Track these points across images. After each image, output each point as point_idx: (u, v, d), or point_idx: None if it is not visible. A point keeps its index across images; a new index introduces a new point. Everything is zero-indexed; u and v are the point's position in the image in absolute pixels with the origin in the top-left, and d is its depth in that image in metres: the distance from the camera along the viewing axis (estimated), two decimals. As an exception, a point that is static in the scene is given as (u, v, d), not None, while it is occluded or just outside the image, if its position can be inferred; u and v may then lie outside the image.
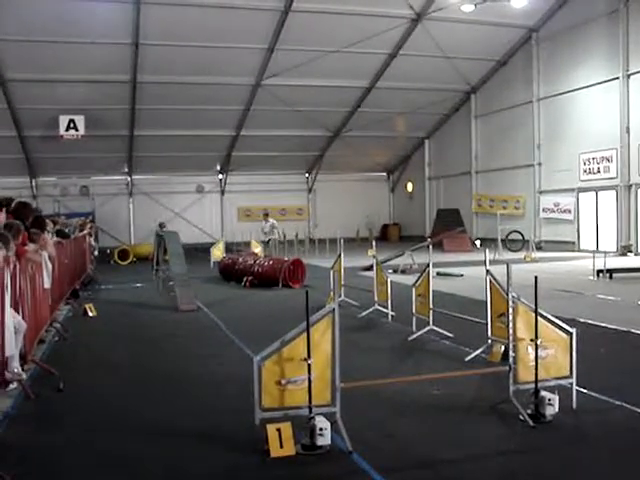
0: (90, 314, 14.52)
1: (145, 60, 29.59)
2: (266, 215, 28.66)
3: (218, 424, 6.87)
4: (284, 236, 30.23)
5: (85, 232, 22.77)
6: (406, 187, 45.79)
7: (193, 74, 31.12)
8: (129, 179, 41.24)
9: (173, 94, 32.19)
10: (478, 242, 33.52)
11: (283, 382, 6.03)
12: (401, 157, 45.38)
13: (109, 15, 26.59)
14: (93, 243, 25.41)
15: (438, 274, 19.28)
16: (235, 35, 28.77)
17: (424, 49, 31.04)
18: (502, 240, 30.72)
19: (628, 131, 27.29)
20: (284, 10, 27.97)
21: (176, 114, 34.05)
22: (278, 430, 5.93)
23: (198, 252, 30.60)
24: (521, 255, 27.11)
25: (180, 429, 6.78)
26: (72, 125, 31.77)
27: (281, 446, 5.90)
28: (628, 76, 27.17)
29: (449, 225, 32.52)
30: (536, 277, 6.74)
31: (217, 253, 27.27)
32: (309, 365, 6.01)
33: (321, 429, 5.94)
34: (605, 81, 28.24)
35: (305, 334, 6.01)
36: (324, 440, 5.96)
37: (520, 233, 32.07)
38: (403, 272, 21.08)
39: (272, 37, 29.64)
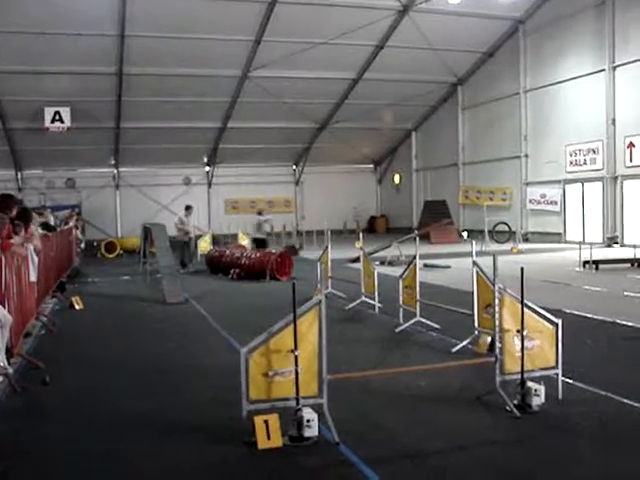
0: (77, 307, 14.49)
1: (131, 52, 29.41)
2: (188, 208, 24.14)
3: (206, 416, 6.87)
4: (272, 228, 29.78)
5: (71, 225, 22.68)
6: (393, 179, 45.80)
7: (180, 66, 30.96)
8: (116, 171, 41.03)
9: (159, 86, 32.02)
10: (465, 234, 33.58)
11: (270, 374, 6.04)
12: (388, 149, 45.37)
13: (95, 6, 26.38)
14: (80, 236, 25.31)
15: (425, 266, 19.34)
16: (222, 26, 28.63)
17: (411, 41, 30.99)
18: (489, 231, 30.82)
19: (614, 123, 27.36)
20: (271, 1, 27.87)
21: (163, 106, 33.88)
22: (265, 422, 5.94)
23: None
24: (508, 246, 27.21)
25: (168, 421, 6.78)
26: (58, 117, 31.55)
27: (268, 438, 5.91)
28: (614, 68, 27.24)
29: (436, 217, 32.63)
30: (522, 268, 6.77)
31: (204, 245, 27.20)
32: (296, 357, 6.02)
33: (308, 420, 5.96)
34: (591, 73, 28.30)
35: (292, 326, 6.02)
36: (311, 431, 5.98)
37: (507, 224, 32.17)
38: (390, 264, 21.11)
39: (259, 28, 29.52)
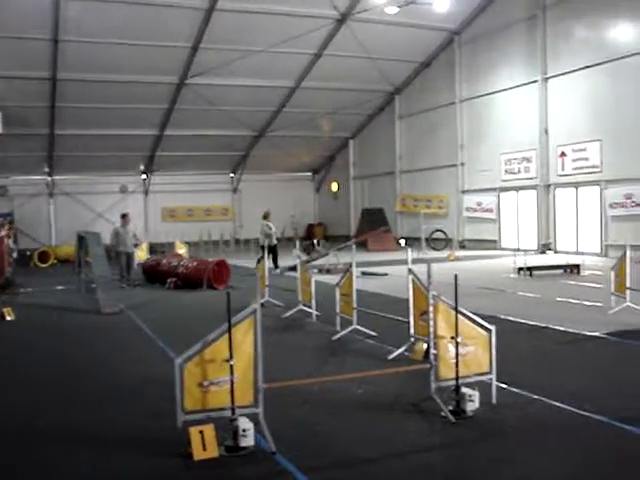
0: (8, 318, 14.12)
1: (65, 57, 28.85)
2: (124, 217, 21.76)
3: (140, 427, 6.77)
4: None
5: (3, 234, 22.12)
6: (331, 187, 45.97)
7: (115, 72, 30.52)
8: (50, 179, 40.22)
9: (95, 92, 31.50)
10: (402, 241, 33.91)
11: (205, 384, 5.99)
12: (326, 157, 45.52)
13: (26, 9, 25.78)
14: (12, 245, 24.70)
15: (363, 274, 19.45)
16: (158, 33, 28.32)
17: (349, 50, 31.20)
18: (426, 239, 31.18)
19: (547, 132, 27.99)
20: (208, 8, 27.72)
21: (98, 113, 33.36)
22: (201, 432, 5.89)
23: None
24: (444, 254, 27.54)
25: (101, 434, 6.65)
26: (-12, 122, 30.76)
27: (204, 448, 5.86)
28: (546, 79, 27.87)
29: (374, 225, 32.78)
30: (456, 275, 6.85)
31: (141, 254, 26.81)
32: (231, 366, 5.98)
33: (244, 430, 5.93)
34: (525, 84, 28.89)
35: (227, 335, 5.97)
36: (247, 441, 5.95)
37: (444, 232, 32.61)
38: (328, 272, 21.15)
39: (196, 36, 29.33)
